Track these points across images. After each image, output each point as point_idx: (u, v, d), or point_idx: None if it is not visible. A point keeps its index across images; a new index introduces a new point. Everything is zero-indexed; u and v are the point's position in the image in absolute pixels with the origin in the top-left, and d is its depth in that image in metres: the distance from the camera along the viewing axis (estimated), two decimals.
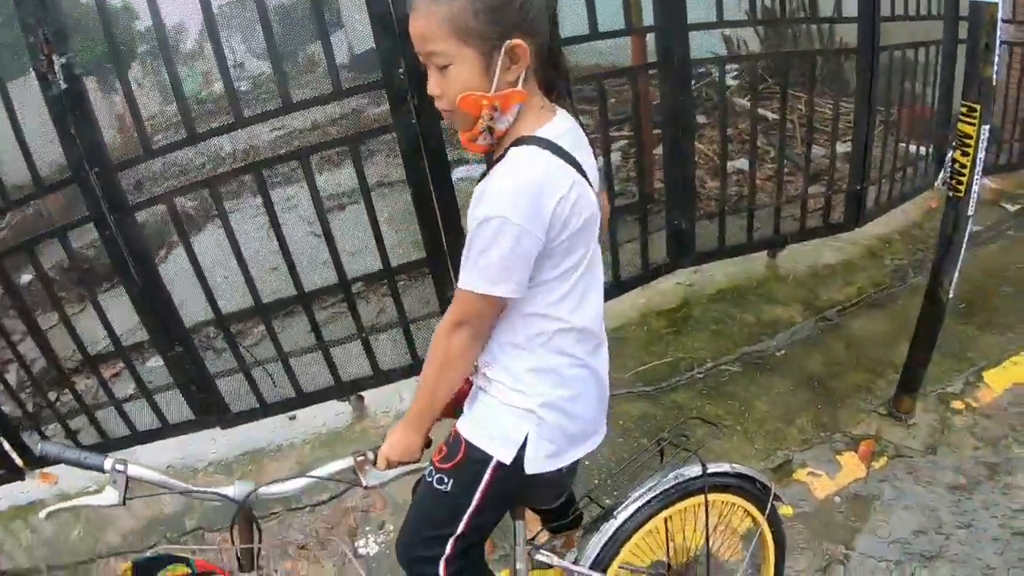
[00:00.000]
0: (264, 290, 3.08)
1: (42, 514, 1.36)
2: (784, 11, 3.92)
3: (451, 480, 1.53)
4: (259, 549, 1.46)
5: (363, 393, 3.29)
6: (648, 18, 3.26)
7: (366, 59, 9.99)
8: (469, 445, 1.51)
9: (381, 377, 3.18)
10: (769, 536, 1.96)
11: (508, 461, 1.48)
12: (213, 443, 3.21)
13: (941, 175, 2.46)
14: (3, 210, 2.94)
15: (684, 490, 1.73)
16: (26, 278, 4.22)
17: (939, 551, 2.36)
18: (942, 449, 2.75)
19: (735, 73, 5.84)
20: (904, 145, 3.91)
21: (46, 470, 3.39)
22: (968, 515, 2.47)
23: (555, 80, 1.42)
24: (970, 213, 2.41)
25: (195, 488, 1.41)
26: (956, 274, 2.53)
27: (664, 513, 1.74)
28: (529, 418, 1.47)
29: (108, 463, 1.33)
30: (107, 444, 3.20)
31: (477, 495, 1.52)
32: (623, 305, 3.63)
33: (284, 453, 3.13)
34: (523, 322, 1.44)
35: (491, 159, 1.42)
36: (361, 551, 2.66)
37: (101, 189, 2.71)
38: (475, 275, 1.32)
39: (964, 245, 2.48)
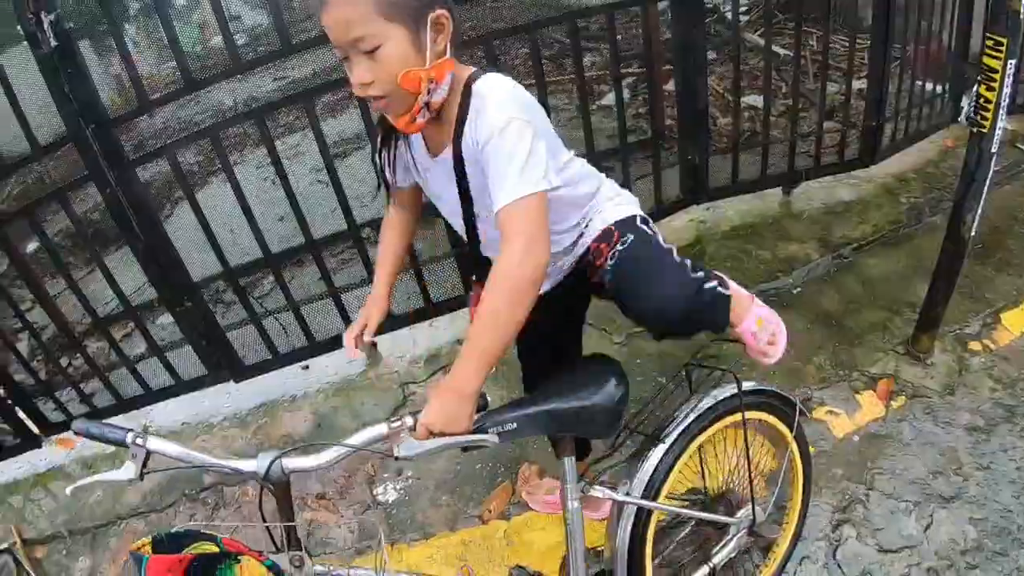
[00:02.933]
0: (272, 240, 3.05)
1: (67, 490, 1.31)
2: None
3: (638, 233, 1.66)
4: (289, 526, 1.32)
5: (375, 339, 3.26)
6: None
7: None
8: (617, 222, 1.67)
9: (394, 322, 3.15)
10: (797, 455, 2.01)
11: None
12: (227, 397, 3.21)
13: (965, 110, 2.39)
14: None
15: (721, 410, 1.77)
16: (32, 246, 4.20)
17: (957, 493, 2.37)
18: (960, 390, 2.73)
19: (746, 8, 5.68)
20: (920, 83, 3.79)
21: (63, 435, 3.40)
22: (986, 457, 2.47)
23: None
24: (994, 150, 2.34)
25: (215, 462, 1.30)
26: (979, 212, 2.47)
27: (702, 436, 1.77)
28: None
29: (129, 437, 1.28)
30: (121, 405, 3.22)
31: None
32: None
33: (298, 403, 3.14)
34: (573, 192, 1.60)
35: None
36: (380, 498, 2.67)
37: (100, 146, 2.66)
38: (529, 177, 1.29)
39: (987, 183, 2.42)
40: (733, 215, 3.77)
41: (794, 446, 1.98)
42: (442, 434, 1.30)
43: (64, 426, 3.29)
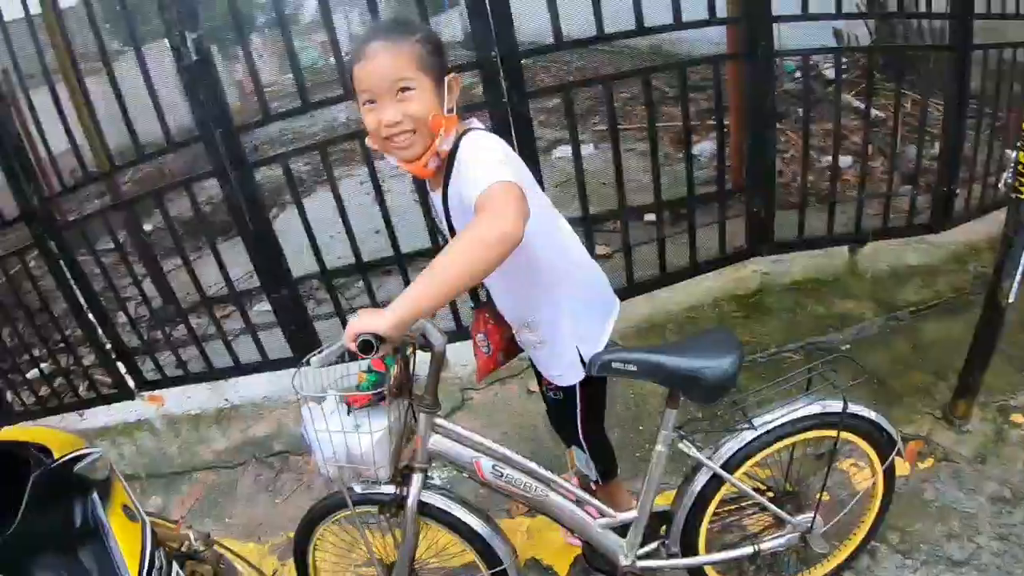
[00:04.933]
0: (366, 250, 3.43)
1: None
2: (875, 5, 3.86)
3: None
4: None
5: None
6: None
7: None
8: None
9: (463, 333, 3.45)
10: (881, 486, 2.13)
11: None
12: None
13: (1004, 176, 2.46)
14: (136, 162, 3.39)
15: (819, 422, 1.92)
16: (148, 227, 4.76)
17: (968, 558, 2.37)
18: (992, 459, 2.73)
19: (829, 65, 5.70)
20: (1001, 149, 3.79)
21: (154, 392, 3.89)
22: (1006, 528, 2.46)
23: None
24: None
25: None
26: (1017, 280, 2.52)
27: (796, 437, 1.93)
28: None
29: None
30: (212, 373, 3.65)
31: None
32: (698, 288, 3.73)
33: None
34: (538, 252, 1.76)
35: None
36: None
37: (225, 148, 3.09)
38: (499, 171, 1.50)
39: None
40: (797, 269, 3.85)
41: (880, 480, 2.11)
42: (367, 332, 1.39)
43: (157, 385, 3.76)
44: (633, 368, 1.70)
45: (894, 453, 2.03)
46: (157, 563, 1.76)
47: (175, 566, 1.83)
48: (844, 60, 5.69)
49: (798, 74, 5.58)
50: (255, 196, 3.20)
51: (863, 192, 3.62)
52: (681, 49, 6.64)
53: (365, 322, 1.38)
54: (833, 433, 1.93)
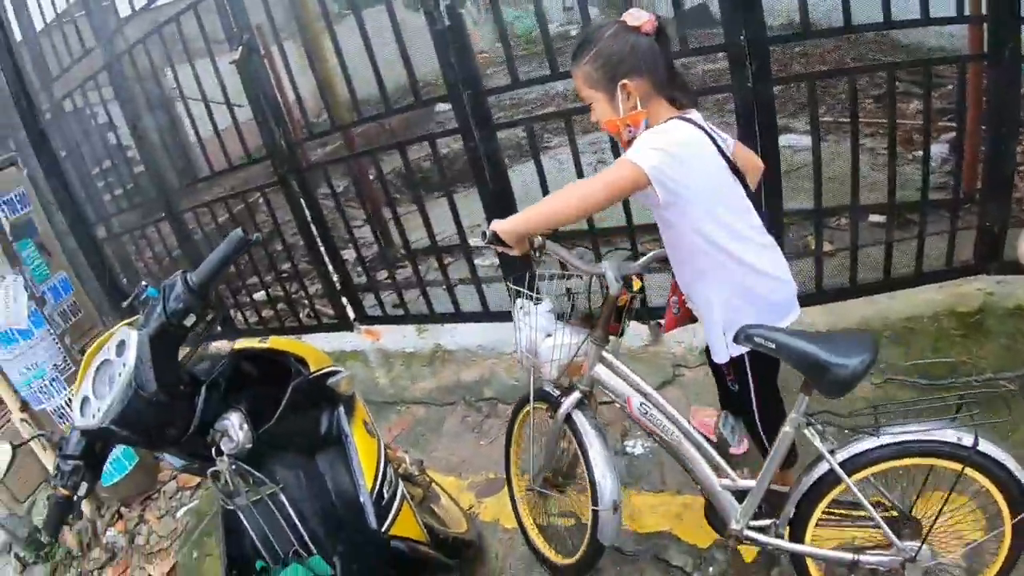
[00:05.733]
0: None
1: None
2: None
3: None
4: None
5: (661, 321, 3.62)
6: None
7: (694, 16, 10.17)
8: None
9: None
10: (1008, 539, 1.97)
11: None
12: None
13: None
14: (382, 115, 3.66)
15: (947, 451, 1.84)
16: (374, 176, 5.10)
17: None
18: None
19: None
20: None
21: (371, 327, 4.21)
22: None
23: (677, 95, 1.95)
24: None
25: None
26: None
27: (922, 459, 1.88)
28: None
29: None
30: (432, 317, 3.92)
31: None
32: (917, 298, 3.60)
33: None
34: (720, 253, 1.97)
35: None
36: (628, 450, 3.06)
37: (471, 108, 3.30)
38: (632, 154, 1.78)
39: None
40: (1022, 294, 3.68)
41: (1008, 530, 1.95)
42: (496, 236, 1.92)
43: (376, 320, 4.10)
44: (772, 346, 1.79)
45: None
46: (388, 476, 2.03)
47: (400, 483, 2.09)
48: None
49: None
50: (496, 155, 3.41)
51: None
52: (911, 39, 6.46)
53: (494, 222, 1.92)
54: (958, 467, 1.83)
